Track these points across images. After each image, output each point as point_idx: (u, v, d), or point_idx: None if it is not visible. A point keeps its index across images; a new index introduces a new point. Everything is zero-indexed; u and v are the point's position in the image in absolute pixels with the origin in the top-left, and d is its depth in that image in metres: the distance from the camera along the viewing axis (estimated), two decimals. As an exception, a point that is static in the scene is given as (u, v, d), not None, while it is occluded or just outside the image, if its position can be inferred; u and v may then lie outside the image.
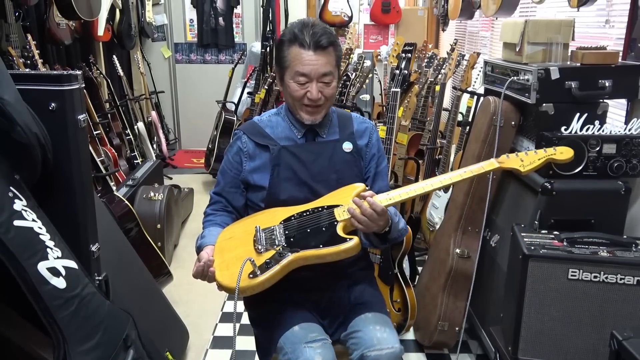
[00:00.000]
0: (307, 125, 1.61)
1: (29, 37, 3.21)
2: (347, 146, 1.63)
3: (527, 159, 1.49)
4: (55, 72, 1.43)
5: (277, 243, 1.44)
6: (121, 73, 4.78)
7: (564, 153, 1.50)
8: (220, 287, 1.42)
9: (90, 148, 2.74)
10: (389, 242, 1.57)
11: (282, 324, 1.51)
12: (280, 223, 1.51)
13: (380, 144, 1.71)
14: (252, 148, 1.62)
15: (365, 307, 1.58)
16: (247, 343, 1.40)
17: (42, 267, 1.22)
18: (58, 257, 1.28)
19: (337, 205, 1.50)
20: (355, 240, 1.41)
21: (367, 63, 3.92)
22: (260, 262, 1.39)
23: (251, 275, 1.37)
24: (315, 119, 1.59)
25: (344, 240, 1.41)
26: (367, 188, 1.55)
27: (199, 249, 1.55)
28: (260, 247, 1.44)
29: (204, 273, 1.44)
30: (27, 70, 2.99)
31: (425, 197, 3.18)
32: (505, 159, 1.50)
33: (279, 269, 1.38)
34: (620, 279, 1.53)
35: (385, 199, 1.44)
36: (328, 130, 1.65)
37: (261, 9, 5.27)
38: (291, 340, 1.47)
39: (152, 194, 3.15)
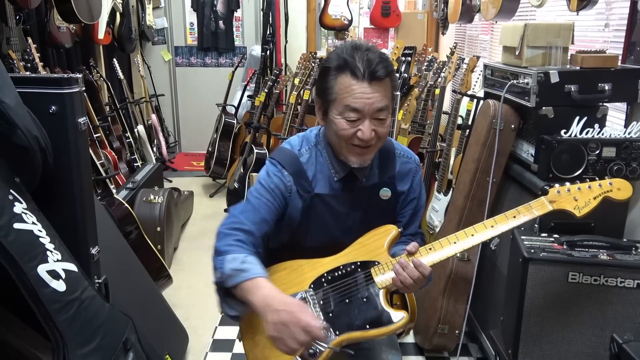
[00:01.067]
0: (348, 167, 1.40)
1: (30, 40, 3.22)
2: (385, 193, 1.45)
3: (581, 197, 1.32)
4: (55, 75, 1.43)
5: None
6: (121, 76, 4.79)
7: (621, 190, 1.29)
8: None
9: (91, 151, 2.74)
10: None
11: None
12: (310, 287, 1.36)
13: (422, 182, 1.54)
14: (295, 191, 1.41)
15: None
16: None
17: (42, 270, 1.22)
18: (58, 260, 1.28)
19: (372, 263, 1.35)
20: (405, 318, 1.28)
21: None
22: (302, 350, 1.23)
23: None
24: (364, 161, 1.36)
25: (391, 318, 1.28)
26: (400, 230, 1.42)
27: (242, 279, 1.24)
28: None
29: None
30: (28, 73, 2.99)
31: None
32: (556, 196, 1.33)
33: (325, 356, 1.25)
34: (621, 282, 1.53)
35: (428, 256, 1.30)
36: (368, 173, 1.45)
37: (261, 12, 5.28)
38: None
39: (152, 196, 3.15)
